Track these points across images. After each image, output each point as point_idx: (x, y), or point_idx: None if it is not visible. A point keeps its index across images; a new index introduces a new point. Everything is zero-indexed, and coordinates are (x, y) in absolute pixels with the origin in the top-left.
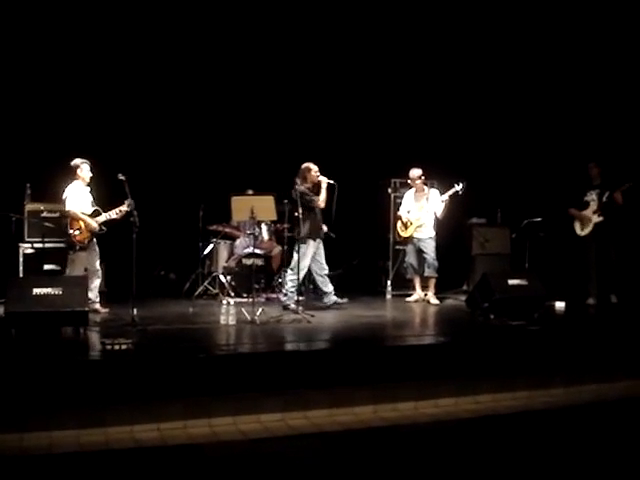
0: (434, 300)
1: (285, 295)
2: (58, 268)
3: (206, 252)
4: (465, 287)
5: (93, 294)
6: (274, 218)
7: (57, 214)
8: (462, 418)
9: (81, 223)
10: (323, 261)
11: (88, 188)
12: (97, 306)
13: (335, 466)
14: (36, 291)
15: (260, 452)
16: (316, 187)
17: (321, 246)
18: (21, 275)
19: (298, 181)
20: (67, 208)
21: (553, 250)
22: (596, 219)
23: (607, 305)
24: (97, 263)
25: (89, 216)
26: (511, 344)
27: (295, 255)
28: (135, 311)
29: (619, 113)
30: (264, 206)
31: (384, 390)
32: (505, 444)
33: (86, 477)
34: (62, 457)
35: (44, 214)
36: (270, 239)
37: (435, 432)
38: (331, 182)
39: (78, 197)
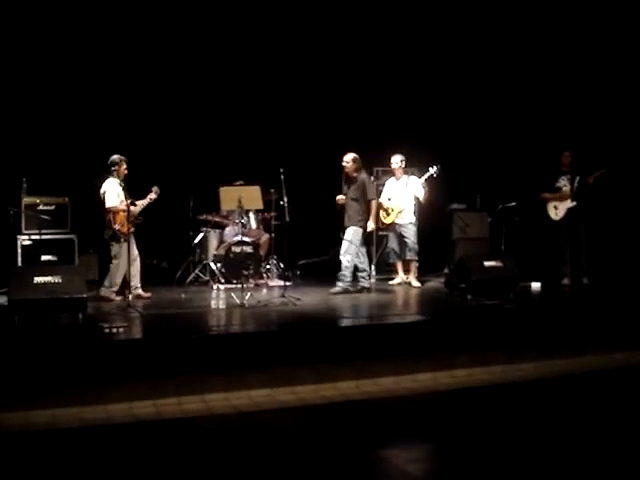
0: (415, 283)
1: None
2: (55, 258)
3: (197, 241)
4: (446, 270)
5: (136, 279)
6: (261, 207)
7: (53, 207)
8: (439, 391)
9: (122, 216)
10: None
11: (120, 181)
12: (140, 291)
13: (318, 435)
14: (37, 280)
15: (249, 424)
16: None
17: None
18: (19, 266)
19: None
20: (107, 205)
21: (528, 233)
22: (569, 204)
23: (580, 286)
24: (136, 250)
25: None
26: (487, 322)
27: None
28: (130, 297)
29: (589, 101)
30: (251, 196)
31: (366, 366)
32: (479, 415)
33: (88, 449)
34: (66, 432)
35: (40, 207)
36: (258, 227)
37: (413, 404)
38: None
39: (116, 192)
